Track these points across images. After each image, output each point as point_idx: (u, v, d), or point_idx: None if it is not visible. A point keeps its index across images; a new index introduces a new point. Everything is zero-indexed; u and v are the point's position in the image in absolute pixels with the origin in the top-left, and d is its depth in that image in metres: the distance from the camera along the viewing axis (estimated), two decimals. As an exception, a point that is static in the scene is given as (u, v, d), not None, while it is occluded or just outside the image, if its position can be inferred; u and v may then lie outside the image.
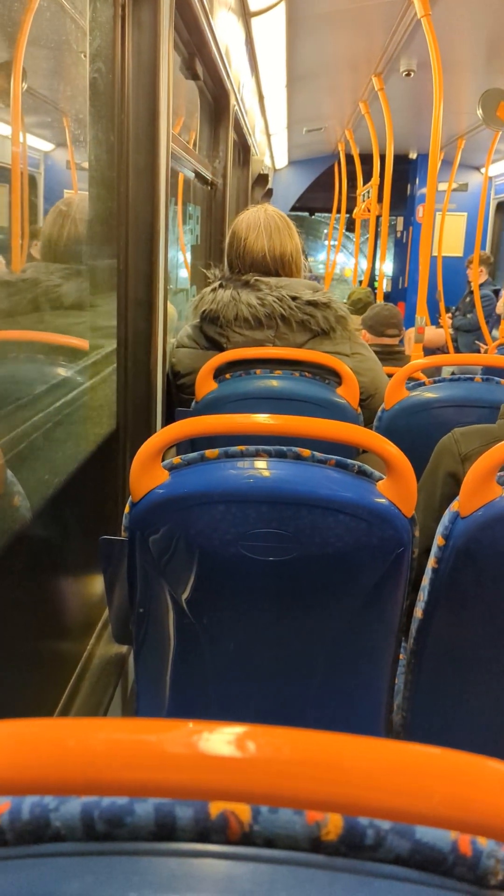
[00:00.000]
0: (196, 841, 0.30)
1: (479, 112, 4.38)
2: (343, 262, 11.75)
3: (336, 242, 8.33)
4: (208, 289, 1.80)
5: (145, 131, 1.34)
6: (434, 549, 1.05)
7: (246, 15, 3.22)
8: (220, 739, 0.31)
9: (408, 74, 4.40)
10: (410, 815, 0.30)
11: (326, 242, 8.59)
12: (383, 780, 0.30)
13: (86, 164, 1.36)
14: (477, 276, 5.89)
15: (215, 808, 0.30)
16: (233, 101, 2.87)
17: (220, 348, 1.76)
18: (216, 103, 2.83)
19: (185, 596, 1.04)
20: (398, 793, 0.30)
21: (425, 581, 1.08)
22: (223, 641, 1.08)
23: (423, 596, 1.08)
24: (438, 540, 1.03)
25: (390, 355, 3.46)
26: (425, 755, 0.31)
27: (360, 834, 0.30)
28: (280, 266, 1.80)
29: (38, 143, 1.58)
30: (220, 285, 1.77)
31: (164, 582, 1.04)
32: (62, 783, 0.30)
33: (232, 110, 2.86)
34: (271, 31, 3.66)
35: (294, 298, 1.72)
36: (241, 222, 1.83)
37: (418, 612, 1.10)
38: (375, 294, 5.52)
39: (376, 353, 1.95)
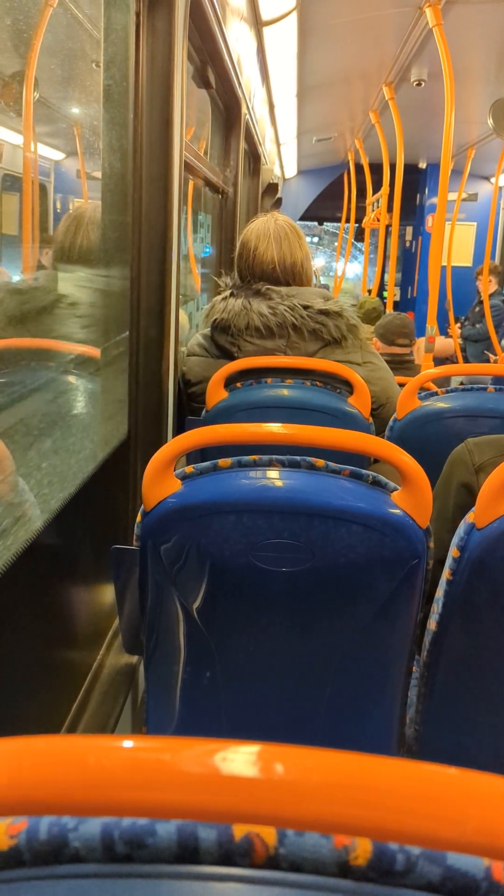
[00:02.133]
0: (219, 864, 0.29)
1: (490, 122, 4.38)
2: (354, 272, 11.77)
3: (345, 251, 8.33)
4: (219, 297, 1.80)
5: (159, 139, 1.34)
6: (449, 561, 1.04)
7: (258, 24, 3.24)
8: (245, 759, 0.30)
9: (418, 84, 4.41)
10: (442, 840, 0.29)
11: (335, 252, 8.60)
12: (414, 805, 0.29)
13: (96, 174, 1.37)
14: (487, 286, 5.88)
15: (239, 831, 0.29)
16: (244, 111, 2.88)
17: (231, 357, 1.76)
18: (227, 112, 2.84)
19: (196, 606, 1.03)
20: (430, 817, 0.29)
21: (439, 593, 1.06)
22: (234, 652, 1.07)
23: (437, 608, 1.07)
24: (453, 552, 1.02)
25: (401, 364, 3.46)
26: (458, 778, 0.30)
27: (389, 859, 0.29)
28: (290, 275, 1.79)
29: (49, 153, 1.58)
30: (232, 294, 1.77)
31: (175, 592, 1.03)
32: (82, 803, 0.30)
33: (243, 119, 2.87)
34: (283, 40, 3.67)
35: (305, 307, 1.72)
36: (250, 232, 1.83)
37: (432, 625, 1.08)
38: (385, 303, 5.52)
39: (386, 362, 1.94)
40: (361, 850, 0.29)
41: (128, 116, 1.29)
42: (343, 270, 8.16)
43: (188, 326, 2.51)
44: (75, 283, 1.35)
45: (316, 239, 12.56)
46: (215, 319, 1.76)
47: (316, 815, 0.29)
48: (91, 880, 0.29)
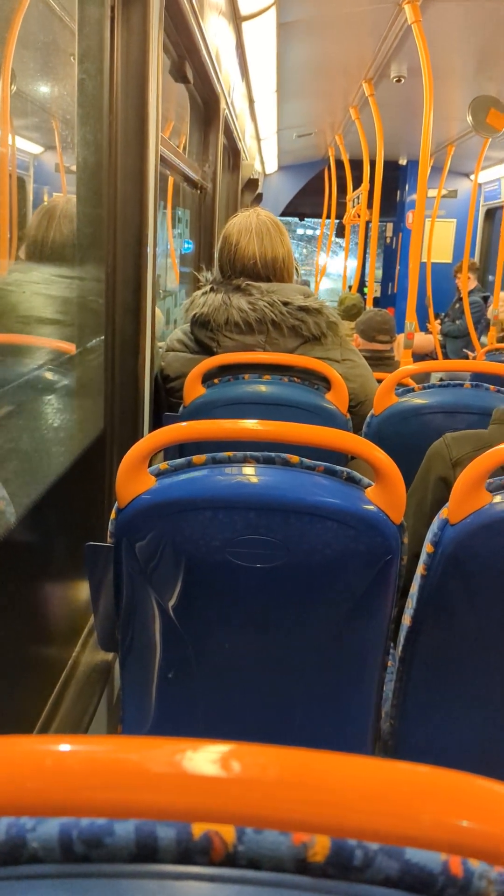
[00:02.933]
0: (178, 863, 0.29)
1: (469, 119, 4.40)
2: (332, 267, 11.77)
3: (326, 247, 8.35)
4: (199, 292, 1.79)
5: (134, 133, 1.33)
6: (423, 557, 1.04)
7: (237, 19, 3.23)
8: (204, 758, 0.30)
9: (398, 80, 4.42)
10: (400, 836, 0.29)
11: (316, 248, 8.62)
12: (372, 801, 0.29)
13: (75, 168, 1.35)
14: (466, 283, 5.92)
15: (198, 829, 0.29)
16: (223, 105, 2.87)
17: (210, 352, 1.75)
18: (206, 107, 2.82)
19: (171, 603, 1.03)
20: (388, 814, 0.29)
21: (414, 588, 1.07)
22: (210, 648, 1.07)
23: (411, 603, 1.07)
24: (427, 547, 1.03)
25: (381, 361, 3.47)
26: (415, 774, 0.30)
27: (347, 855, 0.29)
28: (271, 271, 1.79)
29: (28, 146, 1.57)
30: (212, 289, 1.77)
31: (150, 589, 1.03)
32: (40, 803, 0.29)
33: (222, 114, 2.86)
34: (262, 35, 3.66)
35: (285, 304, 1.72)
36: (232, 226, 1.82)
37: (407, 620, 1.09)
38: (365, 300, 5.53)
39: (367, 358, 1.95)
40: (320, 847, 0.29)
41: (102, 110, 1.28)
42: (324, 266, 8.17)
43: (164, 322, 2.50)
44: (35, 289, 1.32)
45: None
46: (195, 314, 1.76)
47: (275, 813, 0.29)
48: (49, 880, 0.29)
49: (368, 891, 0.29)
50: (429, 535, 1.03)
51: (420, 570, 1.04)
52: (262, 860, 0.29)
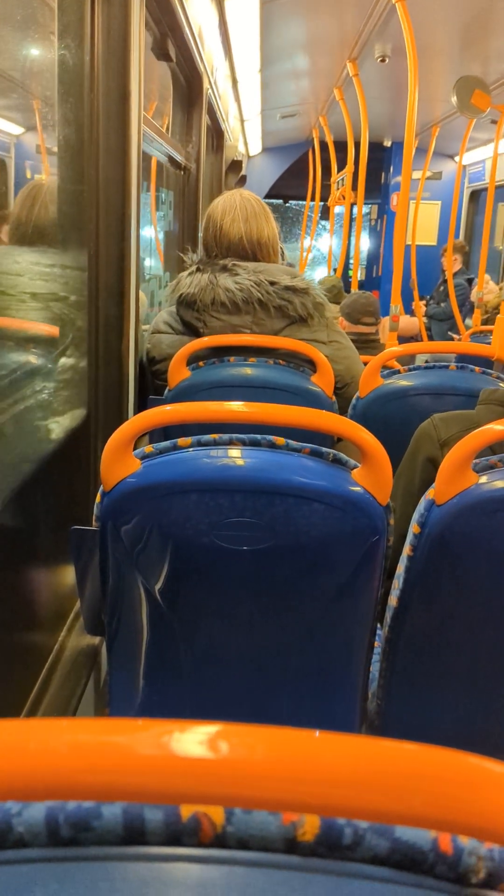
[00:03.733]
0: (167, 844, 0.29)
1: (454, 99, 4.37)
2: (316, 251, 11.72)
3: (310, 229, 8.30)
4: (185, 273, 1.78)
5: (116, 111, 1.31)
6: (409, 537, 1.04)
7: (219, -3, 3.18)
8: (191, 740, 0.29)
9: (382, 60, 4.38)
10: (390, 814, 0.29)
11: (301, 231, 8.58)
12: (362, 780, 0.29)
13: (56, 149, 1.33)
14: (451, 264, 5.91)
15: (187, 811, 0.29)
16: (206, 85, 2.84)
17: (196, 333, 1.74)
18: (189, 86, 2.79)
19: (158, 586, 1.02)
20: (377, 792, 0.29)
21: (400, 569, 1.07)
22: (197, 631, 1.07)
23: (398, 584, 1.08)
24: (414, 528, 1.03)
25: (366, 343, 3.47)
26: (404, 752, 0.30)
27: (337, 833, 0.29)
28: (257, 250, 1.78)
29: (8, 127, 1.54)
30: (198, 269, 1.75)
31: (136, 572, 1.02)
32: (25, 788, 0.29)
33: (205, 94, 2.83)
34: (245, 13, 3.61)
35: (272, 283, 1.71)
36: (216, 206, 1.81)
37: (393, 601, 1.09)
38: (349, 283, 5.52)
39: (352, 341, 1.94)
40: (309, 826, 0.29)
41: (84, 88, 1.26)
42: (309, 249, 8.13)
43: (147, 304, 2.48)
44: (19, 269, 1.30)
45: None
46: (181, 295, 1.74)
47: (263, 793, 0.29)
48: (36, 865, 0.28)
49: (358, 869, 0.29)
50: (415, 516, 1.03)
51: (406, 550, 1.05)
52: (251, 840, 0.29)
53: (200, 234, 1.84)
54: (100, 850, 0.29)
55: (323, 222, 9.92)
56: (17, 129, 1.59)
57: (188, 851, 0.29)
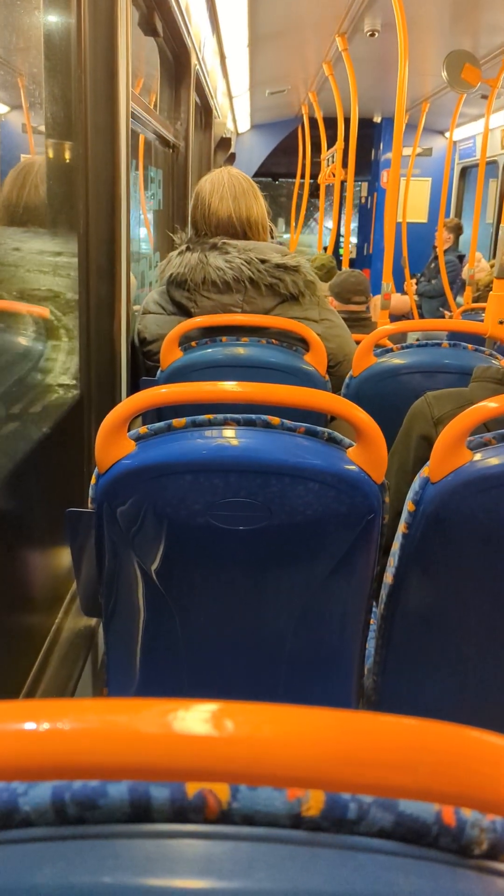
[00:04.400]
0: (173, 821, 0.29)
1: (444, 74, 4.33)
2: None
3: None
4: (175, 252, 1.76)
5: (104, 88, 1.29)
6: (404, 515, 1.05)
7: (206, -30, 3.13)
8: (196, 718, 0.29)
9: (372, 35, 4.34)
10: (394, 789, 0.29)
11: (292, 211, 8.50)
12: (365, 756, 0.29)
13: (43, 128, 1.31)
14: (442, 242, 5.89)
15: (192, 788, 0.29)
16: (194, 61, 2.80)
17: (187, 313, 1.73)
18: (177, 62, 2.75)
19: (154, 567, 1.03)
20: (381, 767, 0.29)
21: (396, 547, 1.08)
22: (194, 611, 1.08)
23: (393, 561, 1.08)
24: (409, 506, 1.03)
25: (357, 322, 3.46)
26: (407, 728, 0.30)
27: (341, 808, 0.29)
28: (247, 228, 1.77)
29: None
30: (188, 248, 1.74)
31: (132, 554, 1.03)
32: (30, 768, 0.29)
33: (193, 70, 2.79)
34: (232, -13, 3.56)
35: (263, 261, 1.70)
36: (204, 184, 1.79)
37: (388, 578, 1.10)
38: (340, 261, 5.49)
39: (343, 319, 1.94)
40: (314, 801, 0.29)
41: (71, 64, 1.24)
42: (299, 227, 8.07)
43: (138, 285, 2.46)
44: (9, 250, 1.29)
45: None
46: (171, 274, 1.73)
47: (268, 770, 0.29)
48: (43, 843, 0.29)
49: (364, 842, 0.29)
50: (410, 494, 1.03)
51: (401, 528, 1.05)
52: (256, 816, 0.29)
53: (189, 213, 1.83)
54: (106, 827, 0.29)
55: (313, 200, 9.84)
56: (1, 109, 1.57)
57: (194, 828, 0.29)
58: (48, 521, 1.21)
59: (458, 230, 6.42)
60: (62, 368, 1.33)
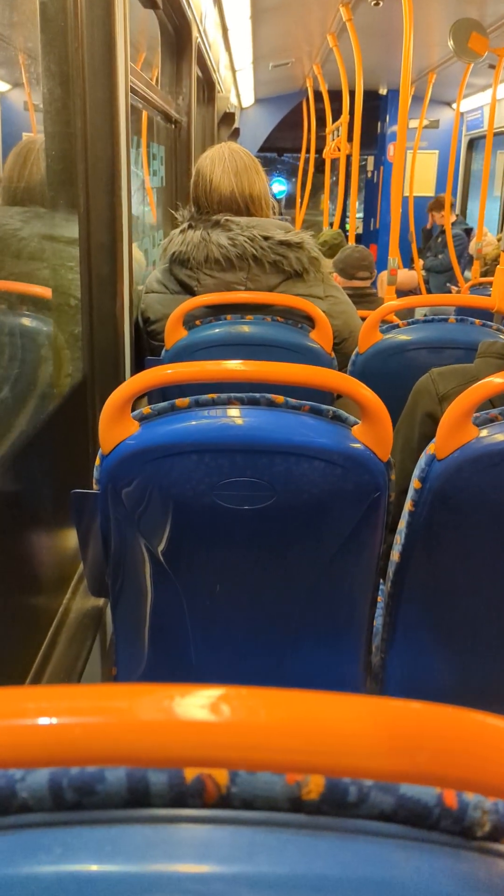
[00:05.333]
0: (171, 806, 0.29)
1: (451, 43, 4.25)
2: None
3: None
4: (177, 230, 1.74)
5: (101, 62, 1.26)
6: (410, 492, 1.04)
7: None
8: (193, 703, 0.29)
9: (376, 4, 4.25)
10: (394, 773, 0.28)
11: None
12: (365, 740, 0.29)
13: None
14: (448, 217, 5.82)
15: (191, 773, 0.29)
16: (195, 34, 2.75)
17: (191, 292, 1.72)
18: (178, 36, 2.71)
19: (160, 547, 1.03)
20: (381, 751, 0.29)
21: (402, 524, 1.07)
22: (200, 591, 1.08)
23: (399, 539, 1.08)
24: (415, 483, 1.03)
25: (362, 298, 3.43)
26: (407, 711, 0.30)
27: (342, 791, 0.29)
28: (250, 204, 1.74)
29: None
30: (190, 226, 1.72)
31: (138, 534, 1.02)
32: (27, 755, 0.29)
33: (195, 43, 2.75)
34: (234, -43, 3.49)
35: (266, 238, 1.68)
36: (205, 159, 1.77)
37: (395, 556, 1.10)
38: (347, 236, 5.43)
39: (348, 296, 1.92)
40: (314, 785, 0.29)
41: (67, 37, 1.22)
42: (304, 203, 7.99)
43: (145, 263, 2.44)
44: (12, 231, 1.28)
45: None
46: (173, 253, 1.71)
47: (267, 756, 0.29)
48: (41, 829, 0.29)
49: (364, 826, 0.29)
50: (416, 471, 1.03)
51: (408, 506, 1.04)
52: (256, 801, 0.29)
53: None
54: (104, 813, 0.29)
55: (321, 175, 9.73)
56: (2, 86, 1.55)
57: (193, 812, 0.29)
58: (54, 502, 1.21)
59: (444, 204, 6.31)
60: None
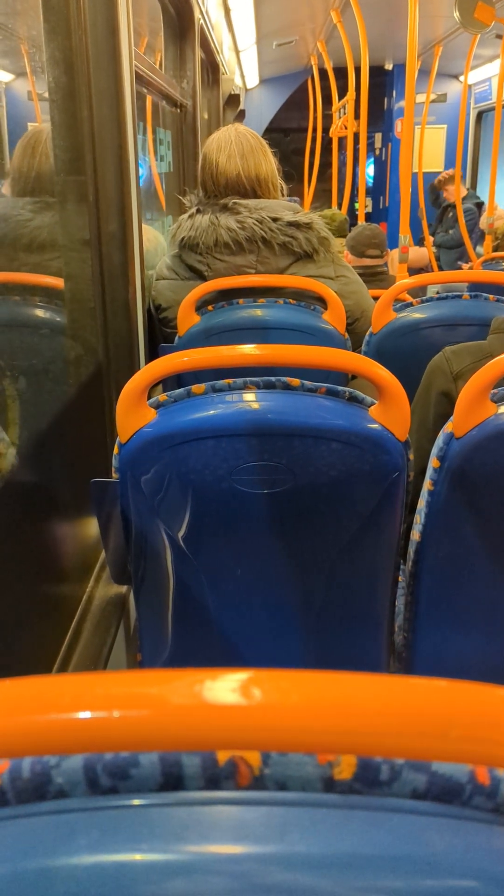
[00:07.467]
0: (205, 789, 0.29)
1: (456, 14, 4.17)
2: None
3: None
4: (185, 215, 1.74)
5: (105, 48, 1.25)
6: (429, 472, 1.04)
7: None
8: (224, 687, 0.29)
9: (380, -23, 4.18)
10: (426, 751, 0.29)
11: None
12: (395, 719, 0.29)
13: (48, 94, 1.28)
14: (459, 192, 5.75)
15: (223, 756, 0.29)
16: (197, 15, 2.73)
17: (201, 277, 1.71)
18: (180, 18, 2.68)
19: (181, 534, 1.03)
20: (412, 730, 0.29)
21: (421, 503, 1.07)
22: (222, 576, 1.08)
23: (419, 518, 1.08)
24: (433, 462, 1.02)
25: (373, 277, 3.41)
26: (436, 689, 0.30)
27: (374, 770, 0.29)
28: (257, 186, 1.73)
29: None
30: (198, 210, 1.71)
31: (158, 521, 1.03)
32: (62, 742, 0.29)
33: (197, 25, 2.72)
34: None
35: (275, 220, 1.67)
36: (211, 143, 1.76)
37: (415, 535, 1.09)
38: (356, 216, 5.39)
39: (359, 274, 1.90)
40: (346, 765, 0.29)
41: (71, 24, 1.21)
42: (312, 183, 7.92)
43: (164, 247, 2.42)
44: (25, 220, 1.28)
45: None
46: (183, 238, 1.71)
47: (298, 737, 0.29)
48: (77, 814, 0.29)
49: (397, 804, 0.29)
50: (434, 450, 1.02)
51: (427, 485, 1.04)
52: (288, 781, 0.29)
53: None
54: (139, 797, 0.29)
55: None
56: (6, 77, 1.54)
57: (227, 794, 0.29)
58: (74, 491, 1.21)
59: (451, 181, 6.24)
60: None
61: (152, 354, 1.67)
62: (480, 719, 0.29)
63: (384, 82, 8.18)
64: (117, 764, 0.29)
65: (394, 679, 0.30)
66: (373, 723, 0.29)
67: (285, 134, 10.99)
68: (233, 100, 4.59)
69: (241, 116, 4.87)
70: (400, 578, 1.18)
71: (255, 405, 0.97)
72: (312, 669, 0.31)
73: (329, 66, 6.46)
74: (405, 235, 3.30)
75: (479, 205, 6.15)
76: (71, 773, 0.29)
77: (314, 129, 7.71)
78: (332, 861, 0.27)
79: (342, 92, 6.08)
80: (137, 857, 0.27)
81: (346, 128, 5.97)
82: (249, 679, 0.29)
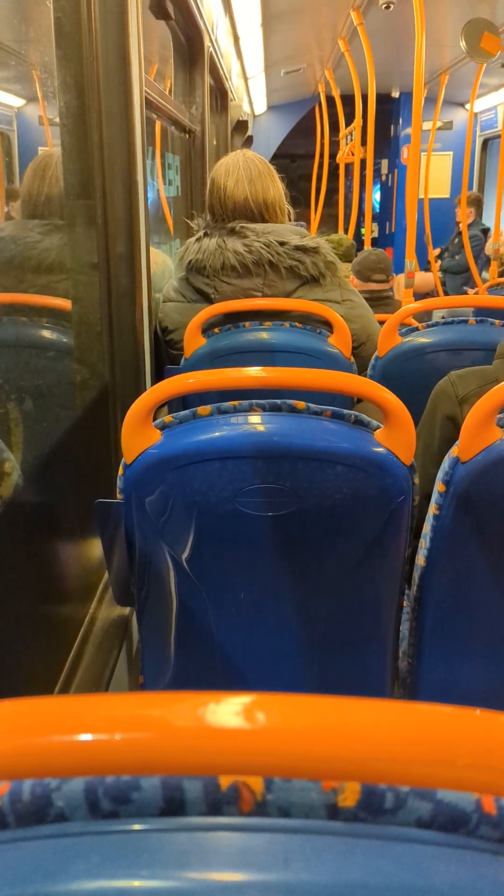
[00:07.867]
0: (207, 815, 0.29)
1: (463, 44, 4.24)
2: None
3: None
4: (193, 239, 1.75)
5: (116, 74, 1.28)
6: (435, 496, 1.03)
7: (217, -50, 3.09)
8: (227, 711, 0.29)
9: (387, 7, 4.25)
10: (431, 778, 0.28)
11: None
12: (400, 746, 0.28)
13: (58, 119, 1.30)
14: (465, 216, 5.79)
15: (226, 781, 0.29)
16: (207, 43, 2.77)
17: (208, 300, 1.72)
18: (190, 46, 2.72)
19: (184, 555, 1.03)
20: (417, 757, 0.28)
21: (427, 528, 1.07)
22: (225, 598, 1.08)
23: (424, 543, 1.07)
24: (439, 486, 1.02)
25: (379, 301, 3.42)
26: (442, 716, 0.30)
27: (378, 798, 0.29)
28: (264, 211, 1.75)
29: (8, 99, 1.51)
30: (205, 234, 1.73)
31: (163, 542, 1.03)
32: (63, 764, 0.29)
33: (207, 52, 2.76)
34: (244, -34, 3.51)
35: (282, 244, 1.68)
36: (219, 168, 1.78)
37: (420, 560, 1.09)
38: (363, 242, 5.43)
39: (365, 299, 1.92)
40: (350, 792, 0.28)
41: (82, 51, 1.23)
42: (319, 209, 7.99)
43: (172, 269, 2.44)
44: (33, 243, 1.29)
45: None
46: (190, 261, 1.72)
47: (302, 763, 0.28)
48: (77, 838, 0.29)
49: (402, 832, 0.28)
50: (440, 474, 1.02)
51: (432, 509, 1.04)
52: (292, 808, 0.29)
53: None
54: (140, 821, 0.29)
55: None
56: (17, 101, 1.57)
57: (229, 821, 0.28)
58: (78, 512, 1.21)
59: (478, 203, 6.30)
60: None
61: (158, 376, 1.68)
62: (487, 747, 0.29)
63: (391, 109, 8.29)
64: (119, 787, 0.29)
65: (399, 705, 0.30)
66: (378, 749, 0.28)
67: (293, 160, 11.11)
68: (241, 126, 4.64)
69: (248, 142, 4.93)
70: (405, 603, 1.17)
71: (261, 427, 0.97)
72: (315, 694, 0.30)
73: (336, 94, 6.55)
74: (411, 261, 3.33)
75: (485, 231, 6.20)
76: (72, 796, 0.29)
77: (321, 155, 7.80)
78: (335, 891, 0.26)
79: (349, 119, 6.16)
80: (137, 883, 0.26)
81: (352, 154, 6.04)
82: (252, 703, 0.29)
